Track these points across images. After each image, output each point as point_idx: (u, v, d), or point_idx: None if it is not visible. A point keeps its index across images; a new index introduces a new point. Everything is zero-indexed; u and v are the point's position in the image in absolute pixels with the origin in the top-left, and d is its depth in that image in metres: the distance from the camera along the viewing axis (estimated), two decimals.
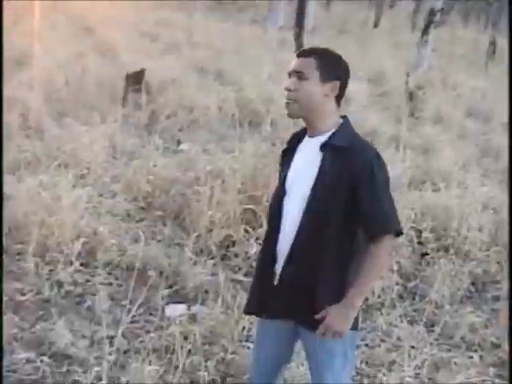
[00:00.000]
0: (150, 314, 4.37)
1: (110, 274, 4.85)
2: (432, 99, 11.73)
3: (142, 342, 4.05)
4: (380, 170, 2.65)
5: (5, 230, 5.01)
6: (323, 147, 2.68)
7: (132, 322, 4.32)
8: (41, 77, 8.88)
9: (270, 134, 8.39)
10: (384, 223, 2.63)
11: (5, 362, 3.60)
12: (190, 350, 3.86)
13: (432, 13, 14.97)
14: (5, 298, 4.27)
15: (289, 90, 2.69)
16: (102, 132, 7.11)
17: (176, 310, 4.47)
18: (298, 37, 15.08)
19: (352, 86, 10.56)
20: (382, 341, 4.48)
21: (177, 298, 4.69)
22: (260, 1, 28.47)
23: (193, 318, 4.35)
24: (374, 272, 2.66)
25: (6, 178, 5.38)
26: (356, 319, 2.75)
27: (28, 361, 3.70)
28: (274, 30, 19.35)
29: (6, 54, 10.01)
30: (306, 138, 2.79)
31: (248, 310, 2.96)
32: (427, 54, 15.36)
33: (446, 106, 11.64)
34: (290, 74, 2.73)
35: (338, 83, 2.70)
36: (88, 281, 4.69)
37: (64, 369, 3.69)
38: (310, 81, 2.67)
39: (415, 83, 11.58)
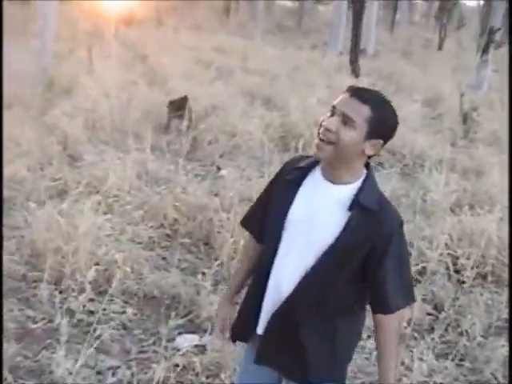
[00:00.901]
0: (160, 345, 4.25)
1: (126, 302, 4.78)
2: (489, 120, 11.37)
3: (146, 373, 3.94)
4: (403, 239, 2.46)
5: (24, 257, 5.04)
6: (351, 206, 2.38)
7: (140, 351, 4.24)
8: (85, 105, 8.96)
9: None
10: (407, 295, 2.50)
11: None
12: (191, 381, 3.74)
13: (491, 32, 14.57)
14: (15, 326, 4.25)
15: (329, 130, 2.32)
16: (136, 159, 7.09)
17: (187, 340, 4.34)
18: (354, 61, 14.99)
19: (406, 109, 10.37)
20: (405, 376, 4.23)
21: (192, 327, 4.57)
22: (324, 26, 28.55)
23: (202, 349, 4.21)
24: (397, 344, 2.52)
25: (29, 205, 5.39)
26: (343, 370, 2.61)
27: None
28: (333, 55, 19.28)
29: (56, 81, 10.28)
30: (321, 179, 2.45)
31: (233, 339, 2.78)
32: (487, 75, 14.94)
33: (503, 127, 11.23)
34: (333, 110, 2.36)
35: (380, 142, 2.38)
36: (104, 309, 4.62)
37: None
38: (356, 132, 2.31)
39: (471, 104, 11.24)
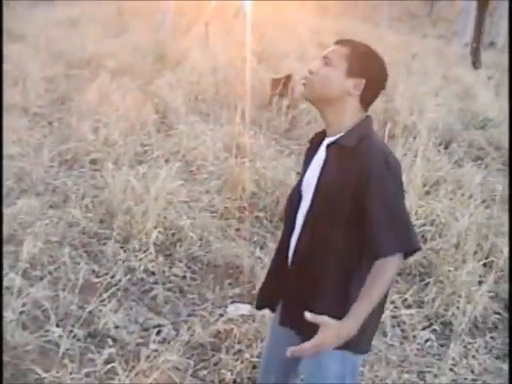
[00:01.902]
0: (210, 311, 4.33)
1: (188, 267, 4.89)
2: None
3: (192, 335, 4.02)
4: (390, 176, 2.31)
5: (99, 215, 5.25)
6: (328, 147, 2.42)
7: (190, 315, 4.32)
8: (191, 77, 9.16)
9: (413, 145, 7.96)
10: (401, 239, 2.29)
11: (41, 333, 3.74)
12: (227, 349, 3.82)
13: None
14: (77, 277, 4.43)
15: (310, 72, 2.43)
16: (229, 132, 7.20)
17: (238, 309, 4.39)
18: (475, 51, 14.50)
19: None
20: (451, 370, 4.10)
21: (250, 298, 4.61)
22: (456, 15, 27.69)
23: (248, 318, 4.25)
24: (376, 291, 2.28)
25: (111, 167, 5.61)
26: (360, 341, 2.41)
27: (71, 336, 3.78)
28: (459, 46, 18.71)
29: (168, 54, 10.56)
30: (325, 140, 2.50)
31: (258, 305, 2.78)
32: None
33: None
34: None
35: (363, 81, 2.39)
36: (164, 271, 4.75)
37: (101, 348, 3.75)
38: (333, 69, 2.40)
39: None
